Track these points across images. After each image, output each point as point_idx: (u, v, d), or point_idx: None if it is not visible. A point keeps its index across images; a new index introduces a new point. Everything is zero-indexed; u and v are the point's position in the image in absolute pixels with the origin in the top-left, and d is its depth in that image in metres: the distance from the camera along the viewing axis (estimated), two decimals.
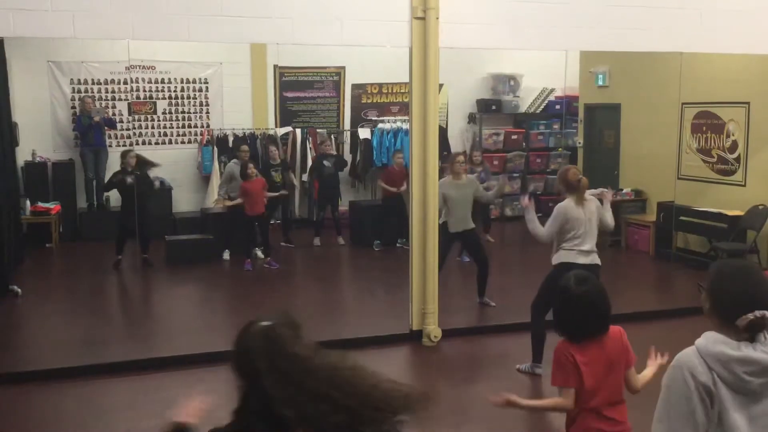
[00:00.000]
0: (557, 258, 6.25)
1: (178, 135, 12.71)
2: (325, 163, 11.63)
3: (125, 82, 12.24)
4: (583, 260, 6.08)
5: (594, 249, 6.21)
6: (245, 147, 10.93)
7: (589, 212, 6.20)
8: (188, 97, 12.70)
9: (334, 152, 12.23)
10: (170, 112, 12.63)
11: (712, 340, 2.41)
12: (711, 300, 2.48)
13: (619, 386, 3.47)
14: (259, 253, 10.57)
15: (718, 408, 2.36)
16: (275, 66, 12.80)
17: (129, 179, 9.98)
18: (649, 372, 3.59)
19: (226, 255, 10.60)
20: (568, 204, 6.17)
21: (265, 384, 2.13)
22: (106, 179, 11.80)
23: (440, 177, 7.61)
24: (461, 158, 8.36)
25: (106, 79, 12.21)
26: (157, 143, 12.48)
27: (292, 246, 11.44)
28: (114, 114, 12.22)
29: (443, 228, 7.81)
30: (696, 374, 2.38)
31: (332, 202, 11.71)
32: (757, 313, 2.36)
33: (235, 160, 10.66)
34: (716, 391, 2.36)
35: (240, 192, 10.08)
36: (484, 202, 9.09)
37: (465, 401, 6.04)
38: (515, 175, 13.84)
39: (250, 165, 10.11)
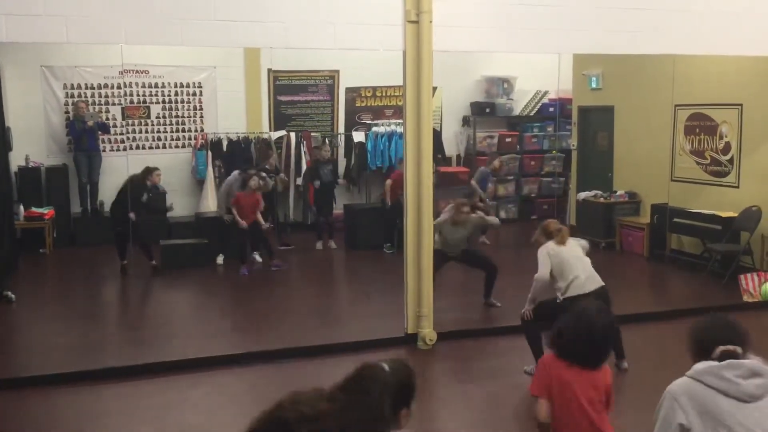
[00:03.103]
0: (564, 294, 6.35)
1: (172, 139, 12.69)
2: (323, 171, 11.61)
3: (119, 87, 12.22)
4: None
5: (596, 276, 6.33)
6: (264, 176, 10.65)
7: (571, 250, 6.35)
8: (182, 101, 12.69)
9: (331, 158, 12.20)
10: (164, 117, 12.62)
11: (699, 365, 2.73)
12: (690, 351, 2.86)
13: (587, 421, 3.43)
14: (258, 257, 10.60)
15: (712, 426, 2.59)
16: (269, 70, 12.81)
17: (145, 196, 10.00)
18: None
19: (220, 260, 10.59)
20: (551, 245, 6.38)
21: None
22: (101, 183, 11.86)
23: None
24: (466, 208, 8.45)
25: (100, 84, 12.19)
26: (150, 147, 12.47)
27: (291, 247, 11.45)
28: (108, 118, 12.20)
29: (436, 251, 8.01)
30: (677, 406, 2.68)
31: (328, 207, 11.71)
32: (729, 346, 2.69)
33: (240, 172, 10.62)
34: (695, 420, 2.63)
35: (233, 200, 10.15)
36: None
37: (461, 405, 6.04)
38: (510, 178, 13.87)
39: (255, 178, 10.17)
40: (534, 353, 6.49)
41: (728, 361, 2.63)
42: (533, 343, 6.50)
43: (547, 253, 6.33)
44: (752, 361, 2.62)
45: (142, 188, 9.98)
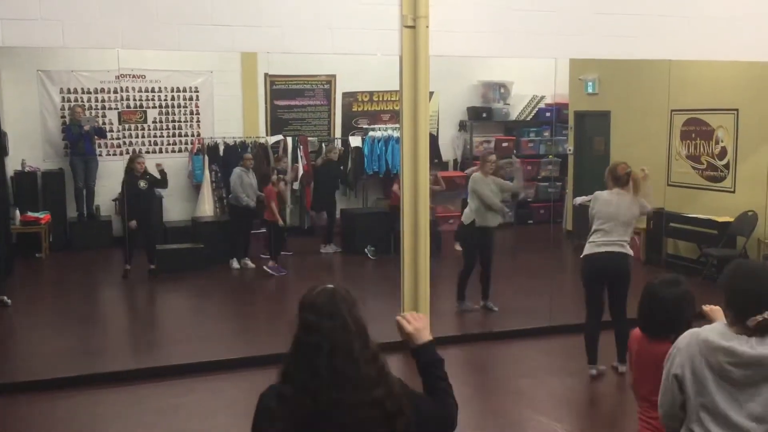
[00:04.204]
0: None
1: (169, 144, 12.68)
2: (328, 171, 11.90)
3: (115, 91, 12.21)
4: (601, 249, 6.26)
5: (614, 240, 6.26)
6: (249, 155, 11.02)
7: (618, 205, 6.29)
8: (179, 106, 12.68)
9: (340, 157, 12.44)
10: (160, 121, 12.61)
11: (712, 329, 2.64)
12: (726, 296, 2.63)
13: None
14: (249, 263, 10.62)
15: (697, 389, 2.61)
16: (266, 74, 12.79)
17: (142, 183, 10.00)
18: None
19: (235, 263, 10.57)
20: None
21: (319, 340, 2.20)
22: (97, 188, 11.86)
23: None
24: (492, 157, 8.53)
25: (96, 88, 12.18)
26: (147, 152, 12.42)
27: (290, 253, 11.48)
28: (104, 123, 12.18)
29: (471, 226, 8.16)
30: (676, 356, 2.68)
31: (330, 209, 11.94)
32: (766, 314, 2.51)
33: (242, 168, 10.66)
34: (687, 376, 2.62)
35: (273, 195, 10.33)
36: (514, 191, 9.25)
37: (459, 410, 6.02)
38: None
39: (276, 171, 10.62)
40: (587, 353, 6.47)
41: (726, 346, 2.55)
42: (589, 342, 6.45)
43: (593, 199, 6.43)
44: (751, 352, 2.52)
45: (134, 179, 9.99)
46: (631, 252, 6.32)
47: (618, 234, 6.24)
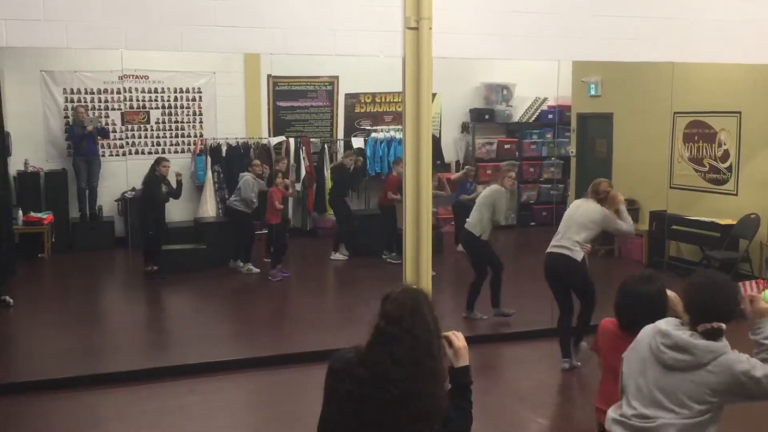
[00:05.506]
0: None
1: (172, 144, 12.70)
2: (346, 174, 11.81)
3: (118, 92, 12.23)
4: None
5: (562, 243, 6.57)
6: (258, 161, 10.94)
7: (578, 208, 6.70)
8: (181, 107, 12.69)
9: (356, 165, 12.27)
10: (163, 122, 12.63)
11: (668, 319, 3.04)
12: (684, 301, 3.04)
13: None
14: (253, 268, 10.60)
15: (635, 369, 3.00)
16: (268, 75, 12.82)
17: (165, 188, 10.12)
18: None
19: (243, 266, 10.54)
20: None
21: (399, 332, 2.37)
22: (100, 188, 11.89)
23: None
24: (512, 173, 8.60)
25: (99, 89, 12.20)
26: (150, 153, 12.44)
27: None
28: (107, 123, 12.20)
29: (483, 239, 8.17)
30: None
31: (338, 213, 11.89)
32: (714, 324, 2.86)
33: (251, 175, 10.55)
34: (630, 356, 3.05)
35: (278, 196, 10.22)
36: None
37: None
38: None
39: (284, 177, 10.64)
40: (560, 347, 6.70)
41: (665, 329, 2.93)
42: (560, 336, 6.66)
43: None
44: (684, 337, 2.87)
45: (158, 182, 10.05)
46: (576, 255, 6.49)
47: (569, 235, 6.54)
